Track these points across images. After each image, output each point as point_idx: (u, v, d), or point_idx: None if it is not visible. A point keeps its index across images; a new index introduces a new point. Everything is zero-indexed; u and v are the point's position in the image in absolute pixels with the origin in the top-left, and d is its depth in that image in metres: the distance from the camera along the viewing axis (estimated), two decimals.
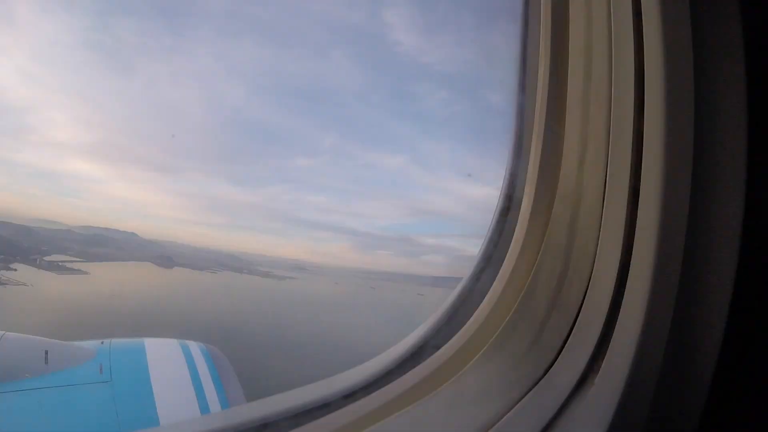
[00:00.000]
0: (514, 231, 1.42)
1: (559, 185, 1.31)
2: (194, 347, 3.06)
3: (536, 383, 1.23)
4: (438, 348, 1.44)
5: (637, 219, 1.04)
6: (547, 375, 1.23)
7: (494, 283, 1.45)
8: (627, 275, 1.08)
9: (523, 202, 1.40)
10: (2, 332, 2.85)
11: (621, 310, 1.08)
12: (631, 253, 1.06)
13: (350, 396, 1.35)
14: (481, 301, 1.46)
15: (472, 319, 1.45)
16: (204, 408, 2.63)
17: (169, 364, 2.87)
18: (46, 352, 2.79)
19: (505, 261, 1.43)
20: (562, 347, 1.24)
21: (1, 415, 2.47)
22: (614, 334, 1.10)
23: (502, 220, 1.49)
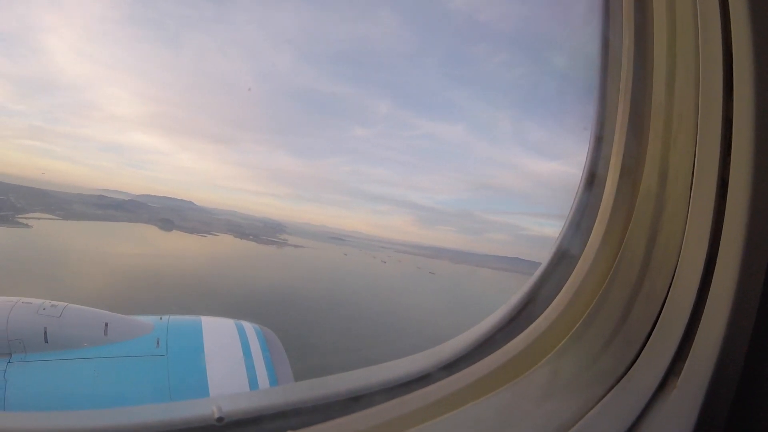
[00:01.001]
0: (596, 214, 1.35)
1: (644, 172, 1.23)
2: (249, 327, 3.07)
3: (617, 381, 1.16)
4: (513, 336, 1.39)
5: (725, 210, 0.96)
6: (628, 373, 1.16)
7: (574, 271, 1.39)
8: (713, 269, 1.00)
9: (606, 187, 1.33)
10: (65, 304, 2.90)
11: (706, 305, 1.00)
12: (718, 246, 0.98)
13: (421, 380, 1.32)
14: (557, 290, 1.41)
15: (550, 307, 1.39)
16: (254, 388, 2.69)
17: (223, 343, 2.90)
18: (106, 324, 2.84)
19: (586, 248, 1.36)
20: (644, 344, 1.17)
21: (61, 379, 2.59)
22: (698, 332, 1.02)
23: (584, 201, 1.42)
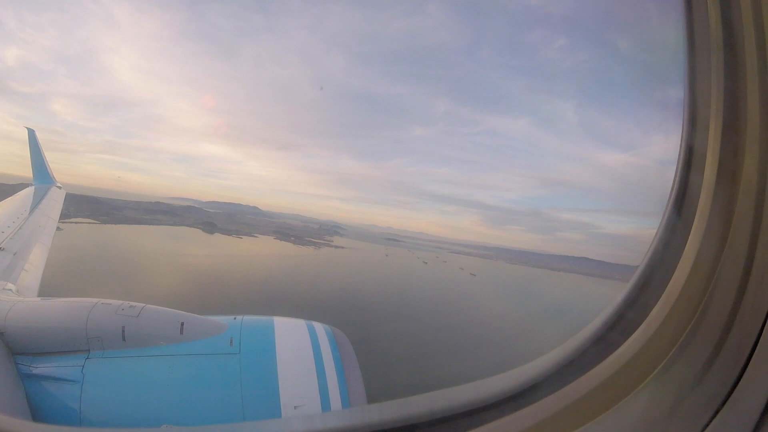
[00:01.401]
0: (694, 214, 1.23)
1: (744, 166, 1.11)
2: (320, 329, 3.12)
3: (722, 405, 1.07)
4: (604, 357, 1.28)
5: None
6: (733, 394, 1.07)
7: (671, 281, 1.26)
8: None
9: (704, 182, 1.20)
10: (143, 304, 3.05)
11: None
12: None
13: (496, 407, 1.26)
14: (651, 304, 1.29)
15: (645, 323, 1.28)
16: (323, 388, 2.70)
17: (294, 343, 2.95)
18: (182, 324, 2.95)
19: (684, 253, 1.23)
20: (749, 360, 1.07)
21: (136, 375, 2.73)
22: None
23: (679, 201, 1.29)
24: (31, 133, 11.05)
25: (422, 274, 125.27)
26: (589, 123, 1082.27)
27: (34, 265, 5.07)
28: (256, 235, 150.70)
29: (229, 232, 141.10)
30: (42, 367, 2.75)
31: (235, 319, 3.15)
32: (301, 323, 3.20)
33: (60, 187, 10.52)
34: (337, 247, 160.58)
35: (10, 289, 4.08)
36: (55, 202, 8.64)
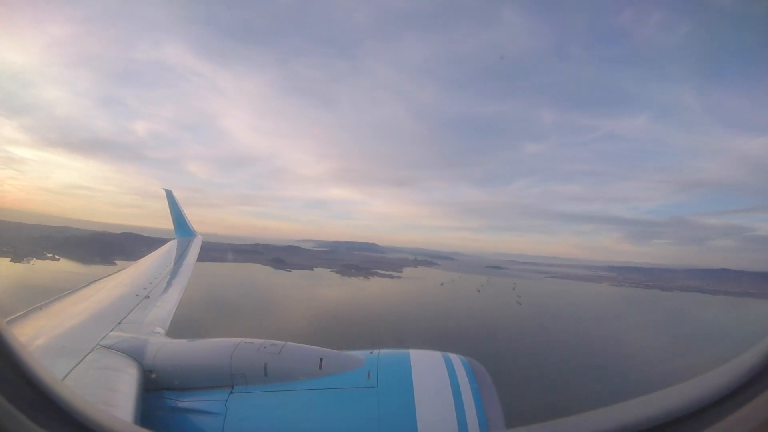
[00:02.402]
0: None
1: None
2: (457, 361, 3.12)
3: None
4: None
5: None
6: None
7: None
8: None
9: None
10: (284, 342, 3.26)
11: None
12: None
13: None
14: None
15: None
16: (461, 421, 2.68)
17: (431, 376, 2.97)
18: (321, 359, 3.09)
19: None
20: None
21: (277, 408, 2.90)
22: None
23: None
24: (169, 193, 12.00)
25: (468, 302, 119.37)
26: (715, 105, 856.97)
27: (170, 303, 5.63)
28: (315, 268, 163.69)
29: (296, 266, 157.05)
30: (188, 401, 3.02)
31: (371, 353, 3.24)
32: (437, 355, 3.21)
33: (198, 236, 11.50)
34: (393, 276, 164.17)
35: (159, 332, 4.46)
36: (193, 250, 9.71)
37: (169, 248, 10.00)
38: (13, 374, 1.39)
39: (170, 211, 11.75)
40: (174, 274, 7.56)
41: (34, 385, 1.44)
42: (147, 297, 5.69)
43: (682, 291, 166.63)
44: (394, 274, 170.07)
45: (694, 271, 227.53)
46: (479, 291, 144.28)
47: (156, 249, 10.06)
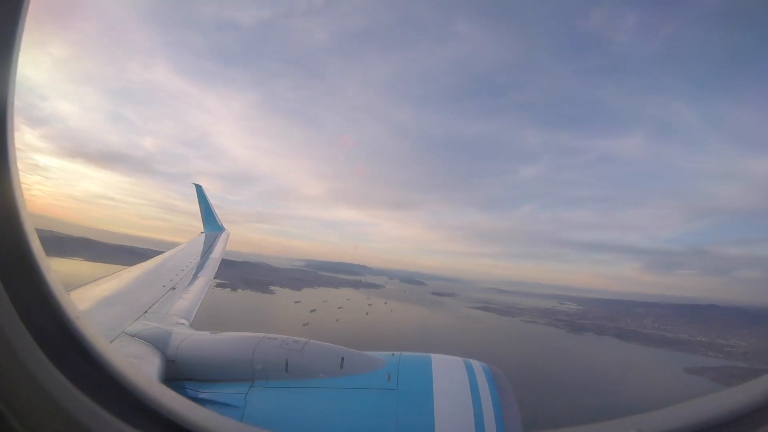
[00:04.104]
0: None
1: None
2: (477, 366, 3.13)
3: None
4: None
5: None
6: None
7: None
8: None
9: None
10: (306, 339, 3.35)
11: None
12: None
13: None
14: None
15: None
16: (480, 427, 2.67)
17: (451, 380, 2.97)
18: (342, 359, 3.14)
19: None
20: None
21: (296, 404, 2.95)
22: None
23: None
24: (199, 188, 12.35)
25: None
26: (719, 122, 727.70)
27: (194, 294, 5.82)
28: (275, 287, 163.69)
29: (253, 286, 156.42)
30: (208, 393, 3.09)
31: (393, 355, 3.27)
32: (458, 360, 3.22)
33: (226, 231, 11.85)
34: (271, 293, 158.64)
35: (183, 323, 4.58)
36: (220, 244, 10.09)
37: (197, 241, 10.34)
38: (62, 338, 1.40)
39: (199, 205, 12.10)
40: (200, 267, 7.79)
41: (81, 349, 1.45)
42: (173, 288, 5.87)
43: (614, 335, 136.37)
44: (281, 291, 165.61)
45: (677, 306, 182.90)
46: (340, 307, 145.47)
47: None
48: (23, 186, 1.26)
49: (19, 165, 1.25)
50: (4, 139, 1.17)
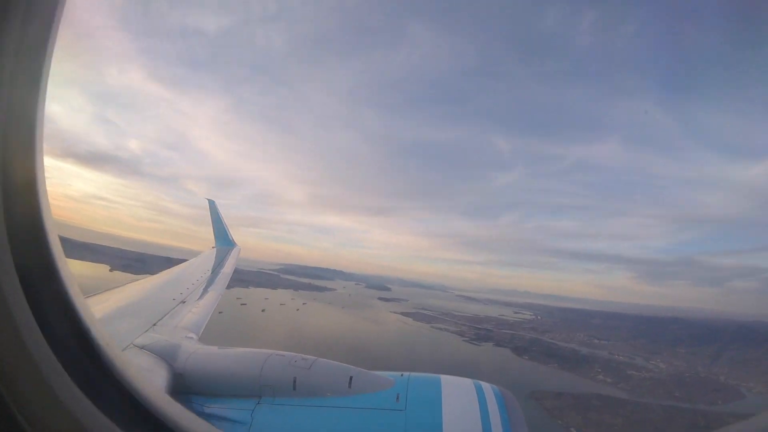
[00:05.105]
0: None
1: None
2: (488, 388, 3.10)
3: None
4: None
5: None
6: None
7: None
8: None
9: None
10: (315, 358, 3.33)
11: None
12: None
13: None
14: None
15: None
16: None
17: (461, 402, 2.93)
18: (351, 378, 3.11)
19: None
20: None
21: (302, 423, 2.91)
22: None
23: None
24: (212, 203, 12.32)
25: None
26: (697, 126, 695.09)
27: (203, 309, 5.81)
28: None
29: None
30: (214, 408, 3.07)
31: (402, 375, 3.24)
32: (468, 382, 3.20)
33: (237, 246, 11.89)
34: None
35: (192, 337, 4.54)
36: (231, 259, 10.19)
37: (208, 256, 10.48)
38: (77, 345, 1.41)
39: (212, 220, 12.22)
40: (211, 281, 7.74)
41: (93, 356, 1.46)
42: (183, 302, 5.83)
43: (517, 347, 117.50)
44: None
45: (641, 319, 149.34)
46: (264, 311, 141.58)
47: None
48: (48, 191, 1.29)
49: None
50: (33, 145, 1.21)
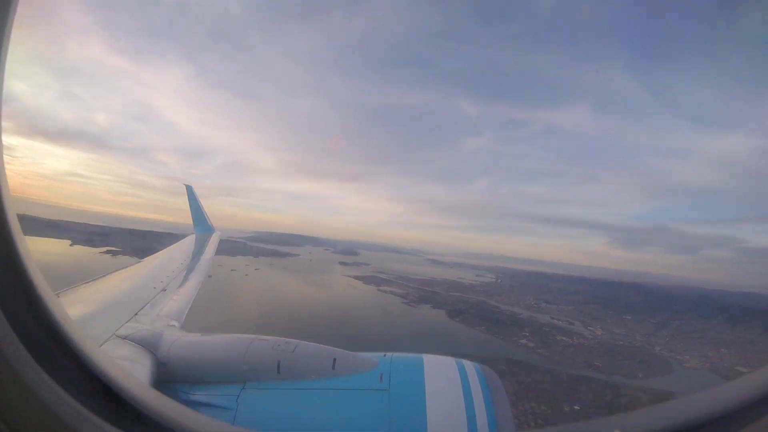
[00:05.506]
0: None
1: None
2: (470, 367, 3.14)
3: None
4: None
5: None
6: None
7: None
8: None
9: None
10: (298, 341, 3.35)
11: None
12: None
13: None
14: None
15: None
16: (472, 427, 2.69)
17: (443, 381, 2.98)
18: (335, 360, 3.15)
19: None
20: None
21: (288, 406, 2.94)
22: None
23: None
24: (189, 189, 12.11)
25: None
26: (668, 94, 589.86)
27: (185, 296, 5.83)
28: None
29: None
30: (200, 395, 3.08)
31: (385, 355, 3.28)
32: (450, 361, 3.23)
33: (217, 232, 11.69)
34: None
35: (174, 325, 4.53)
36: (211, 245, 10.01)
37: (188, 243, 10.32)
38: (53, 344, 1.39)
39: (190, 206, 12.03)
40: (191, 268, 7.75)
41: (69, 352, 1.43)
42: (164, 290, 5.87)
43: (451, 309, 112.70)
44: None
45: (602, 283, 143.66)
46: (210, 276, 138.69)
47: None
48: (20, 171, 1.26)
49: None
50: None
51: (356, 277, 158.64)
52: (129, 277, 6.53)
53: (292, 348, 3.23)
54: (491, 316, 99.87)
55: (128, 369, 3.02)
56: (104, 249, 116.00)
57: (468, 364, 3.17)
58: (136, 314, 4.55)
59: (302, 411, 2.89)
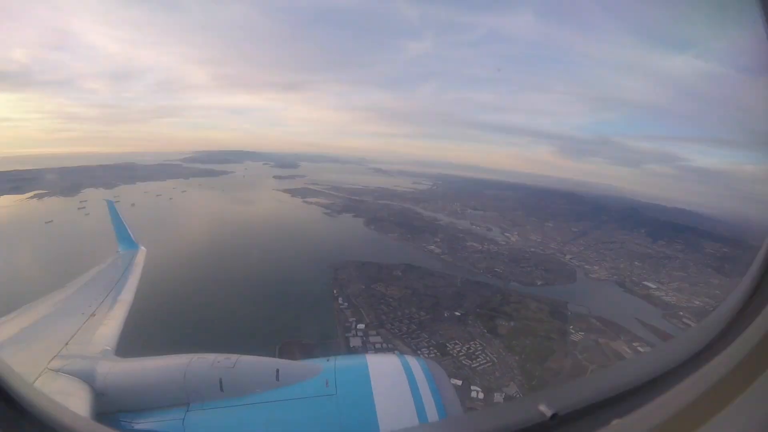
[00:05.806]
0: None
1: None
2: (414, 362, 3.18)
3: None
4: (716, 353, 1.15)
5: None
6: None
7: None
8: None
9: None
10: (238, 356, 3.28)
11: None
12: None
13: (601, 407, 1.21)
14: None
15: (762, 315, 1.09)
16: (423, 418, 2.75)
17: (389, 379, 3.01)
18: (277, 370, 3.12)
19: None
20: None
21: (236, 424, 2.87)
22: None
23: None
24: (110, 204, 11.92)
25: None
26: (617, 9, 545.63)
27: (116, 320, 5.66)
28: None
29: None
30: (144, 423, 3.00)
31: (328, 360, 3.31)
32: (393, 358, 3.29)
33: (142, 248, 11.47)
34: None
35: (108, 349, 4.44)
36: (137, 264, 9.83)
37: (113, 263, 10.04)
38: None
39: (112, 222, 11.64)
40: (119, 290, 7.54)
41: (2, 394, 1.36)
42: (93, 315, 5.69)
43: (374, 218, 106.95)
44: (93, 192, 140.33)
45: (537, 191, 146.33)
46: (133, 205, 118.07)
47: None
48: None
49: None
50: None
51: (286, 191, 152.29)
52: (55, 303, 6.22)
53: (232, 363, 3.19)
54: (409, 223, 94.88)
55: (65, 403, 2.73)
56: (32, 194, 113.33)
57: (412, 360, 3.23)
58: (67, 343, 4.38)
59: (251, 427, 2.85)
